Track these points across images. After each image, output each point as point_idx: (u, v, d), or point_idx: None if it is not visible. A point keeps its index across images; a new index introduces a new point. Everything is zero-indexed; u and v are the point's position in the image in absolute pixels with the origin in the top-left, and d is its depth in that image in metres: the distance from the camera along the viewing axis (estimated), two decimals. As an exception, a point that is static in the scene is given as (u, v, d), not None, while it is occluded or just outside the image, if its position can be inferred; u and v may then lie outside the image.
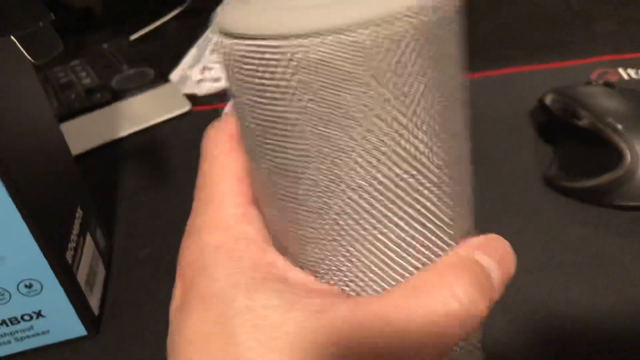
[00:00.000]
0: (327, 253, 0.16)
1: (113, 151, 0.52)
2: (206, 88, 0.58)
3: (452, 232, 0.17)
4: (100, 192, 0.47)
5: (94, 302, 0.36)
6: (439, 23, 0.14)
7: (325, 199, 0.15)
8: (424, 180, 0.15)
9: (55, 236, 0.33)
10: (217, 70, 0.59)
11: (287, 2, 0.14)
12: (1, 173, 0.29)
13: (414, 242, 0.16)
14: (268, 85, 0.14)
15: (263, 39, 0.14)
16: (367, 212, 0.15)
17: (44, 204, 0.32)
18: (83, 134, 0.54)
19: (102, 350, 0.35)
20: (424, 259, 0.16)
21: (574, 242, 0.36)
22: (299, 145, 0.15)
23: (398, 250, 0.16)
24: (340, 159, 0.14)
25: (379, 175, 0.15)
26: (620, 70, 0.48)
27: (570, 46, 0.53)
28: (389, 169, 0.15)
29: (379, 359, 0.14)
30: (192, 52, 0.63)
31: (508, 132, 0.45)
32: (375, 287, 0.16)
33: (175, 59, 0.63)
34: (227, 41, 0.15)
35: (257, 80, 0.14)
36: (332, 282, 0.16)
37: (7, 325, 0.33)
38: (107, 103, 0.57)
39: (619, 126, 0.36)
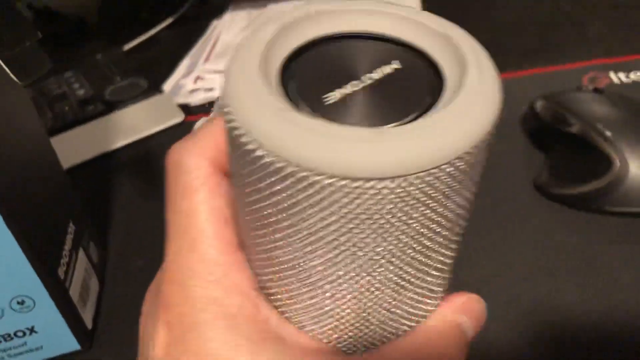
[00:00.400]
0: (321, 314, 0.16)
1: (107, 163, 0.52)
2: (199, 98, 0.58)
3: (441, 294, 0.18)
4: (95, 204, 0.47)
5: (87, 316, 0.36)
6: (484, 148, 0.14)
7: (329, 270, 0.15)
8: (430, 262, 0.16)
9: (47, 253, 0.33)
10: (210, 80, 0.59)
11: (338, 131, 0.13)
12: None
13: (406, 307, 0.17)
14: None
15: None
16: (365, 286, 0.15)
17: (35, 221, 0.32)
18: (77, 146, 0.54)
19: (95, 364, 0.35)
20: (414, 320, 0.17)
21: (564, 248, 0.36)
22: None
23: (390, 314, 0.16)
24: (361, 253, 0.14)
25: (393, 259, 0.15)
26: (611, 74, 0.49)
27: (561, 50, 0.54)
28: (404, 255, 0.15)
29: None
30: (186, 62, 0.63)
31: (498, 138, 0.45)
32: (365, 346, 0.17)
33: (168, 69, 0.63)
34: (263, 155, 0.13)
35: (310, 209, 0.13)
36: (324, 339, 0.16)
37: (0, 341, 0.34)
38: (101, 114, 0.58)
39: (608, 133, 0.36)
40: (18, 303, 0.33)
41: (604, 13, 0.58)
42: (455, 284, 0.35)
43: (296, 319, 0.16)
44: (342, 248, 0.14)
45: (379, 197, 0.13)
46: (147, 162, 0.52)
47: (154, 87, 0.60)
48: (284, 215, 0.14)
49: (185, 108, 0.57)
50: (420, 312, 0.17)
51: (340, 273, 0.14)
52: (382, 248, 0.14)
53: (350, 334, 0.16)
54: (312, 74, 0.15)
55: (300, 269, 0.15)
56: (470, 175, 0.14)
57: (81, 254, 0.37)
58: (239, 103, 0.13)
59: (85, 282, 0.37)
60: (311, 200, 0.13)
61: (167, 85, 0.60)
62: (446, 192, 0.13)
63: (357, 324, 0.16)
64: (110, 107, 0.58)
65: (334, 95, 0.14)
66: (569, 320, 0.32)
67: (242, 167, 0.14)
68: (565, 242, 0.36)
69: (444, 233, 0.15)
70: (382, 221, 0.13)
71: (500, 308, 0.33)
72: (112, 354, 0.36)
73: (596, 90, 0.40)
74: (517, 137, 0.45)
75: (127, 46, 0.68)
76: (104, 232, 0.44)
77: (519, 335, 0.32)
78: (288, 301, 0.16)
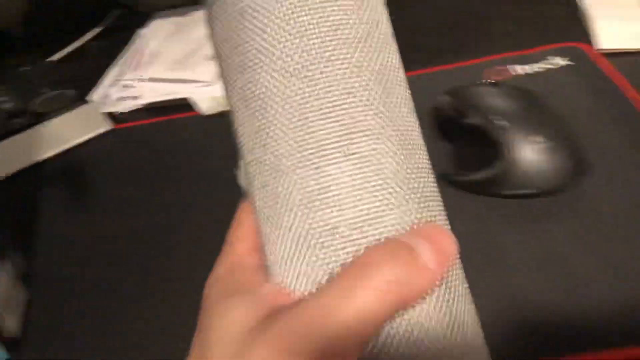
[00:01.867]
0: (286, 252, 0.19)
1: (36, 173, 0.53)
2: (127, 105, 0.59)
3: (406, 217, 0.19)
4: (23, 215, 0.48)
5: (12, 325, 0.37)
6: None
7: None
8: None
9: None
10: (138, 89, 0.60)
11: None
12: None
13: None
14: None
15: None
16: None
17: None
18: (5, 158, 0.54)
19: (24, 370, 0.36)
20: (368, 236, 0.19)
21: (466, 230, 0.39)
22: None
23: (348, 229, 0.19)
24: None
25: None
26: (513, 66, 0.52)
27: (468, 47, 0.57)
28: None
29: (321, 354, 0.17)
30: (113, 71, 0.64)
31: (411, 132, 0.48)
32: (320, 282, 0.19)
33: (96, 79, 0.63)
34: None
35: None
36: (291, 286, 0.19)
37: None
38: (29, 126, 0.58)
39: (502, 122, 0.39)
40: (-59, 315, 0.33)
41: (509, 10, 0.62)
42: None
43: (276, 273, 0.20)
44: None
45: None
46: (75, 171, 0.52)
47: (82, 97, 0.61)
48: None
49: (113, 116, 0.58)
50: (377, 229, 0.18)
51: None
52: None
53: (302, 271, 0.19)
54: None
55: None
56: None
57: (6, 265, 0.38)
58: None
59: (9, 293, 0.38)
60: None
61: (95, 95, 0.61)
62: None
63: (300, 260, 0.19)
64: (38, 118, 0.59)
65: None
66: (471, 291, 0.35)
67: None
68: (466, 224, 0.39)
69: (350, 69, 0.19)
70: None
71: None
72: (40, 360, 0.37)
73: (492, 84, 0.44)
74: (425, 131, 0.47)
75: (54, 58, 0.69)
76: (32, 241, 0.45)
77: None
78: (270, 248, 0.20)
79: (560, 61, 0.52)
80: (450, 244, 0.19)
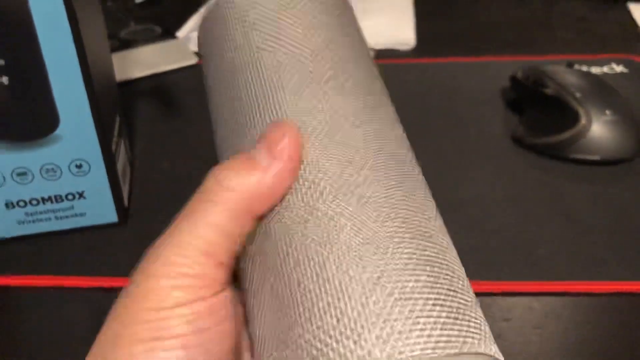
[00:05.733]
0: None
1: (124, 90, 0.57)
2: (210, 48, 0.63)
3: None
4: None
5: (125, 194, 0.41)
6: None
7: None
8: None
9: (106, 126, 0.37)
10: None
11: None
12: (86, 82, 0.34)
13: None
14: None
15: None
16: None
17: (103, 101, 0.37)
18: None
19: (130, 236, 0.40)
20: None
21: (534, 187, 0.43)
22: None
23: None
24: None
25: None
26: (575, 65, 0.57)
27: (532, 46, 0.62)
28: None
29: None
30: (197, 16, 0.68)
31: (482, 104, 0.53)
32: None
33: (179, 22, 0.68)
34: None
35: None
36: None
37: (52, 202, 0.38)
38: (116, 50, 0.62)
39: (578, 94, 0.44)
40: (76, 166, 0.37)
41: (571, 21, 0.67)
42: (443, 207, 0.41)
43: None
44: None
45: None
46: (163, 92, 0.56)
47: (170, 34, 0.65)
48: None
49: (197, 54, 0.62)
50: None
51: None
52: None
53: None
54: None
55: None
56: None
57: (122, 143, 0.42)
58: None
59: (124, 167, 0.41)
60: None
61: (181, 33, 0.65)
62: None
63: None
64: (126, 45, 0.63)
65: None
66: (536, 242, 0.39)
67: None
68: (535, 181, 0.44)
69: None
70: None
71: (476, 232, 0.40)
72: (143, 231, 0.40)
73: (568, 65, 0.49)
74: (498, 104, 0.52)
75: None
76: (129, 139, 0.49)
77: (492, 262, 0.39)
78: None
79: (616, 67, 0.58)
80: (281, 134, 0.18)
